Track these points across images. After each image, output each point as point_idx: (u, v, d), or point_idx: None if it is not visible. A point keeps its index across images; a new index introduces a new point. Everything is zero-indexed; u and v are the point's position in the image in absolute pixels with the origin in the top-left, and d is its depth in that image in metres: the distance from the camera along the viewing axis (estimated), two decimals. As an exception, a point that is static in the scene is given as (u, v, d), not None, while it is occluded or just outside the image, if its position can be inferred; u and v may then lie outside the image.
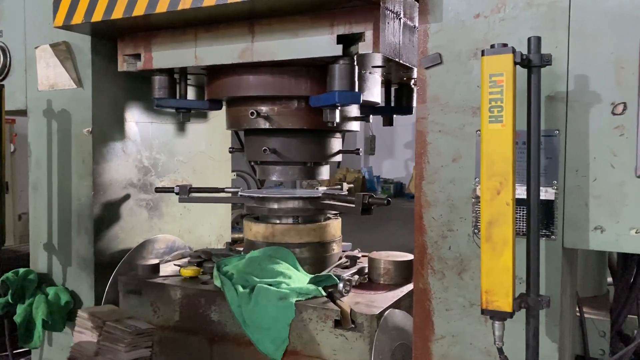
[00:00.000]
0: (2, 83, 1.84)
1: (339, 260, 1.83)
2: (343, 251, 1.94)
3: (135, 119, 2.03)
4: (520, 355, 1.07)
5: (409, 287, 1.58)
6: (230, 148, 2.21)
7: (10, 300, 1.81)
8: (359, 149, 2.04)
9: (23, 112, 1.99)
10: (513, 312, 1.01)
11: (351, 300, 1.50)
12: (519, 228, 1.10)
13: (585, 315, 1.50)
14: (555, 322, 1.16)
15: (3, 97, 1.75)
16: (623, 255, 1.50)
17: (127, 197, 1.98)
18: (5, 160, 1.85)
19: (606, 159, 1.07)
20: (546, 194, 1.13)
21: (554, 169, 1.14)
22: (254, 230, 1.81)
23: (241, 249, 1.97)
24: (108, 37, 1.80)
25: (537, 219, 1.07)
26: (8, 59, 1.97)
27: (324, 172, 1.88)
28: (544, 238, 1.14)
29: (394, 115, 2.06)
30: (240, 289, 1.54)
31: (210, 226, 2.43)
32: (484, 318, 1.11)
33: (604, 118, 1.06)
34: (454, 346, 1.26)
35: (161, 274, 1.79)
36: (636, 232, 1.05)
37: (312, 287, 1.53)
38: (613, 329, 1.52)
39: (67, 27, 1.63)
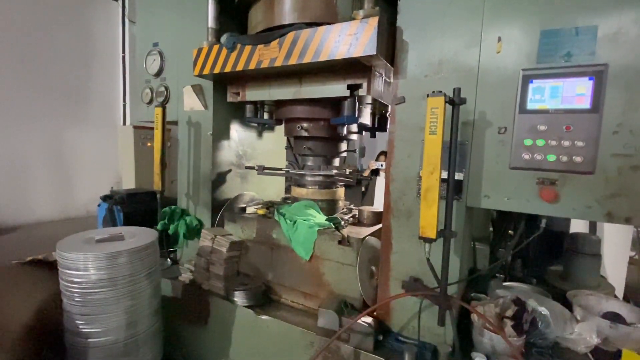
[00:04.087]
0: (165, 106, 2.35)
1: (342, 209, 2.30)
2: (344, 206, 2.37)
3: (235, 128, 2.52)
4: (438, 264, 1.38)
5: (379, 225, 1.98)
6: (285, 146, 2.50)
7: (166, 222, 2.36)
8: (355, 150, 2.40)
9: (175, 122, 2.50)
10: (436, 238, 1.30)
11: (348, 230, 1.90)
12: (442, 194, 1.34)
13: (476, 245, 1.97)
14: (459, 246, 1.46)
15: (165, 113, 2.31)
16: (499, 213, 2.03)
17: (229, 170, 2.48)
18: (165, 150, 2.31)
19: (493, 158, 1.37)
20: (458, 175, 1.41)
21: (463, 162, 1.41)
22: (297, 191, 2.24)
23: (290, 202, 2.32)
24: (222, 81, 2.26)
25: (453, 189, 1.34)
26: (169, 93, 2.52)
27: (336, 162, 2.31)
28: (455, 200, 1.42)
29: (376, 132, 2.45)
30: (289, 221, 1.95)
31: (274, 189, 2.95)
32: (420, 242, 1.36)
33: (493, 135, 1.36)
34: (402, 256, 1.60)
35: (247, 212, 2.27)
36: (507, 199, 1.36)
37: (326, 222, 1.94)
38: (491, 254, 1.99)
39: (200, 75, 2.08)
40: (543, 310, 1.47)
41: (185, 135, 2.45)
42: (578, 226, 2.59)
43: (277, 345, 1.82)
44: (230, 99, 2.25)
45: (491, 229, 2.11)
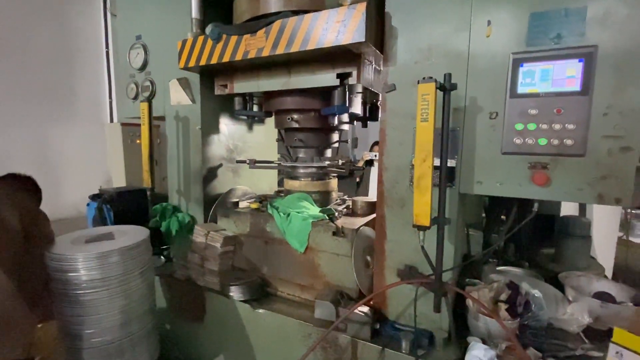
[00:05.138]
0: (151, 101, 2.34)
1: (335, 201, 2.33)
2: (337, 197, 2.41)
3: (224, 122, 2.51)
4: (432, 251, 1.39)
5: (373, 215, 1.97)
6: (276, 139, 2.53)
7: (157, 219, 2.35)
8: (347, 140, 2.40)
9: (162, 118, 2.48)
10: (430, 226, 1.31)
11: (342, 221, 1.93)
12: (435, 181, 1.35)
13: (470, 232, 1.91)
14: (453, 233, 1.48)
15: (151, 108, 2.28)
16: (491, 199, 2.00)
17: (220, 165, 2.49)
18: (155, 147, 2.31)
19: (484, 144, 1.37)
20: (451, 162, 1.41)
21: (455, 149, 1.41)
22: (290, 184, 2.26)
23: (283, 195, 2.36)
24: (209, 74, 2.24)
25: (445, 176, 1.35)
26: (154, 87, 2.49)
27: (328, 153, 2.33)
28: (448, 187, 1.43)
29: (368, 122, 2.46)
30: (282, 214, 1.98)
31: (266, 182, 2.96)
32: (414, 230, 1.38)
33: (484, 121, 1.37)
34: (397, 245, 1.61)
35: (240, 207, 2.28)
36: (499, 184, 1.37)
37: (320, 214, 1.96)
38: (484, 240, 1.94)
39: (186, 68, 2.06)
40: (536, 292, 1.49)
41: (174, 130, 2.44)
42: (569, 209, 2.62)
43: (274, 338, 1.83)
44: (218, 91, 2.24)
45: (484, 214, 2.08)
